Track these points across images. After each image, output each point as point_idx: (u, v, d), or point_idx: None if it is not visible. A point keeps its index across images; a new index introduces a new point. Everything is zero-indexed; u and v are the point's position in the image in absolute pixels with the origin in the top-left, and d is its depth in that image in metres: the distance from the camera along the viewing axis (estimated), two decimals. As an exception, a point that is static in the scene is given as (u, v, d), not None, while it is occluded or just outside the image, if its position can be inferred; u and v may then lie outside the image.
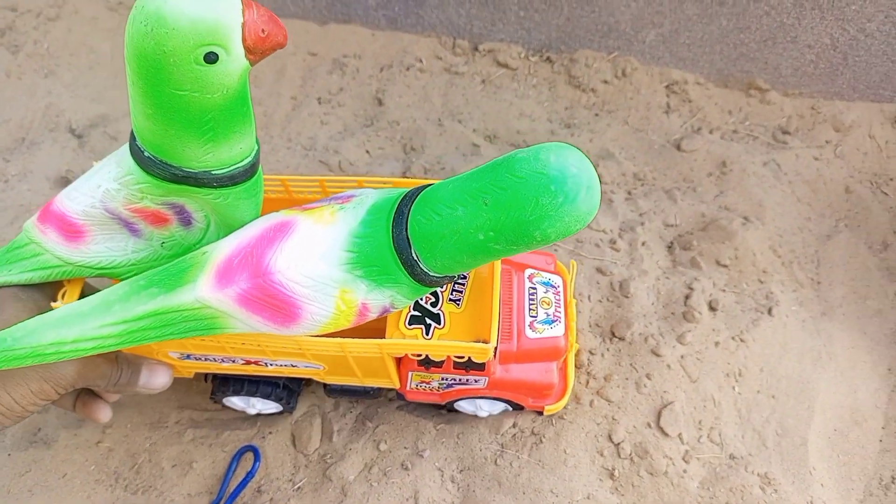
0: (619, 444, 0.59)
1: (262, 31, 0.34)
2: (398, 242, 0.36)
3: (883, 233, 0.80)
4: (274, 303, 0.38)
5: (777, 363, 0.65)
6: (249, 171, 0.41)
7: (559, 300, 0.53)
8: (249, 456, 0.59)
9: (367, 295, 0.39)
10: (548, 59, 0.87)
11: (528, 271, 0.54)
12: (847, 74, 0.83)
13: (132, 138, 0.39)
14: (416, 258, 0.37)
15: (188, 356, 0.50)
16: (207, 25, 0.33)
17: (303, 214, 0.40)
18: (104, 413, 0.51)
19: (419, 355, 0.48)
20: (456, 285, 0.48)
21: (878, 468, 0.61)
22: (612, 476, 0.58)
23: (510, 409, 0.58)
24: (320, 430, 0.61)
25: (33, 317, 0.40)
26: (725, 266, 0.71)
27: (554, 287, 0.54)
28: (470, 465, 0.58)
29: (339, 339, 0.43)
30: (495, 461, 0.58)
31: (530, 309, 0.52)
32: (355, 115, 0.84)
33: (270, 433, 0.61)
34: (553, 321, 0.52)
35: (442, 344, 0.45)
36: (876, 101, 0.85)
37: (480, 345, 0.44)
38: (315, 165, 0.80)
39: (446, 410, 0.61)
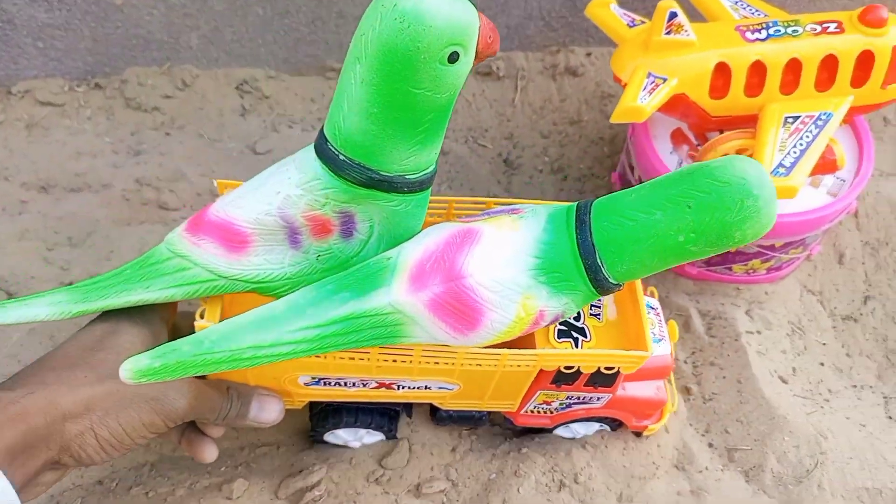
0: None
1: (489, 37, 0.37)
2: (583, 248, 0.38)
3: (486, 185, 0.80)
4: (462, 308, 0.39)
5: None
6: (431, 179, 0.42)
7: (661, 320, 0.55)
8: None
9: (546, 301, 0.39)
10: (97, 85, 0.78)
11: None
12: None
13: (322, 141, 0.39)
14: (599, 263, 0.38)
15: (318, 381, 0.48)
16: (459, 25, 0.35)
17: (483, 223, 0.40)
18: (210, 452, 0.49)
19: (570, 368, 0.47)
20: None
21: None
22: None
23: (609, 429, 0.59)
24: None
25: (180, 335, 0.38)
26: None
27: (654, 308, 0.55)
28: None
29: (498, 350, 0.43)
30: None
31: None
32: None
33: None
34: (659, 339, 0.53)
35: (600, 353, 0.46)
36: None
37: (639, 353, 0.45)
38: None
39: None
